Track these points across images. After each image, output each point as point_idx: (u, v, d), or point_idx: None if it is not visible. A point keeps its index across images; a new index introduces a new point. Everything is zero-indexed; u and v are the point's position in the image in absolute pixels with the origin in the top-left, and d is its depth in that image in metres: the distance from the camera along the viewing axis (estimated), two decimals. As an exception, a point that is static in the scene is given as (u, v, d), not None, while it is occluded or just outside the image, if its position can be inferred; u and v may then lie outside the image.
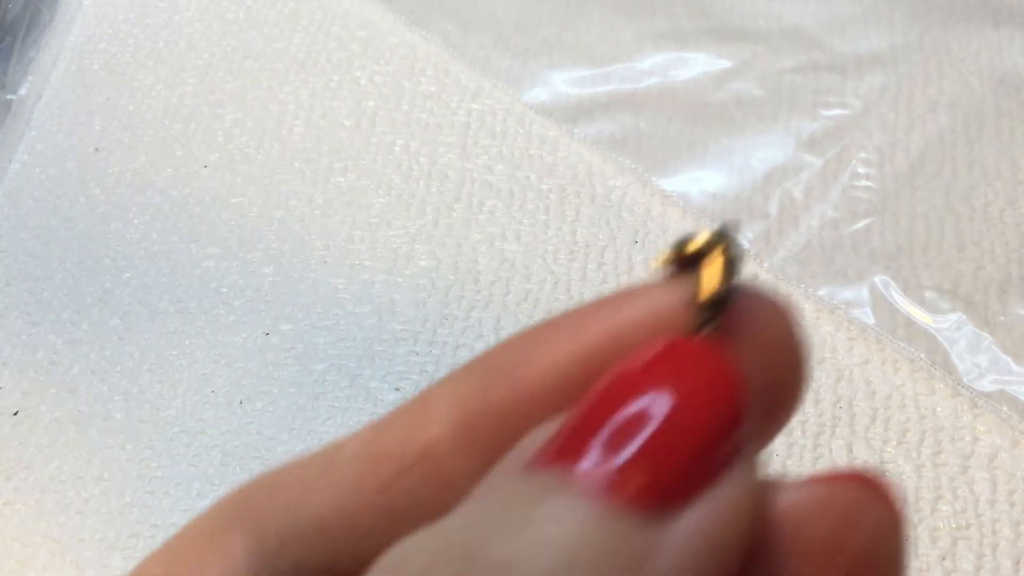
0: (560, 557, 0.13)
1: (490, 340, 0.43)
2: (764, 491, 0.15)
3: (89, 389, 0.44)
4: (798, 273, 0.43)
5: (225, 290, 0.46)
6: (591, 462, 0.14)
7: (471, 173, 0.49)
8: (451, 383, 0.17)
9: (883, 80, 0.49)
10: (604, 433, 0.14)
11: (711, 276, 0.16)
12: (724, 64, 0.51)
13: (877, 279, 0.43)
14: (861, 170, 0.46)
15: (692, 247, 0.16)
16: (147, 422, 0.43)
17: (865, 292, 0.43)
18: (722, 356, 0.15)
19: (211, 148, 0.51)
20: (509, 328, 0.44)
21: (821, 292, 0.43)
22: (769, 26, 0.52)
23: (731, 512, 0.14)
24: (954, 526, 0.38)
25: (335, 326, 0.45)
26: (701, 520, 0.14)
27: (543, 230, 0.47)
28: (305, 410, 0.43)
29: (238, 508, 0.17)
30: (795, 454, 0.40)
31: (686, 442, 0.14)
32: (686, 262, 0.16)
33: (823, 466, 0.40)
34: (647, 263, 0.44)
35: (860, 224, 0.45)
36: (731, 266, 0.16)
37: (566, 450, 0.15)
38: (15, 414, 0.44)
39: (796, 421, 0.41)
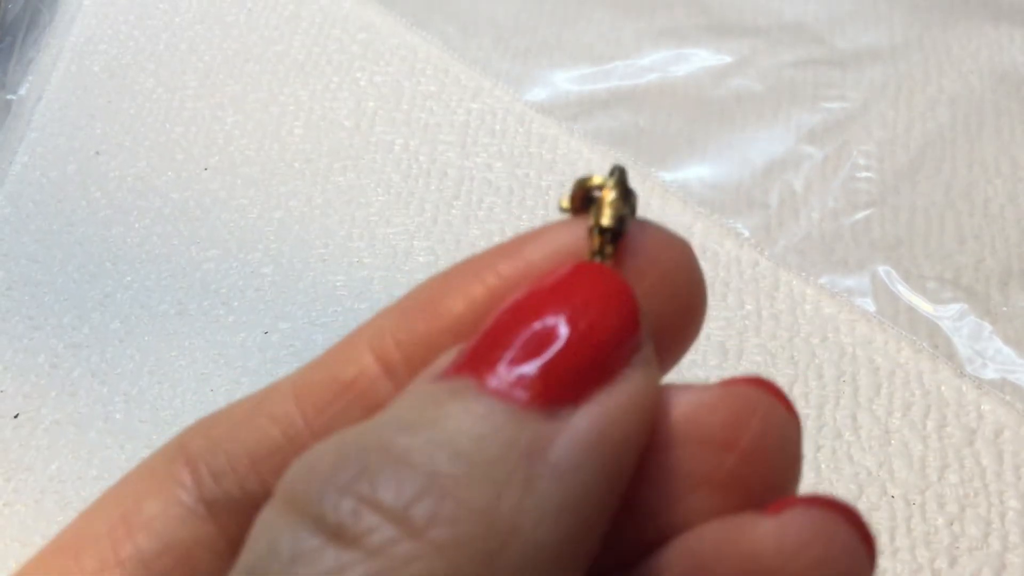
0: (457, 448, 0.15)
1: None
2: (662, 392, 0.17)
3: (89, 391, 0.44)
4: (799, 262, 0.43)
5: (225, 291, 0.46)
6: (495, 368, 0.15)
7: (470, 171, 0.49)
8: (373, 324, 0.19)
9: (883, 76, 0.49)
10: (508, 342, 0.16)
11: (606, 206, 0.18)
12: (724, 60, 0.50)
13: (880, 268, 0.43)
14: (862, 162, 0.46)
15: (590, 183, 0.18)
16: (146, 422, 0.43)
17: (867, 281, 0.43)
18: (615, 273, 0.17)
19: (212, 150, 0.51)
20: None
21: (822, 280, 0.43)
22: (769, 22, 0.52)
23: (624, 408, 0.16)
24: (962, 494, 0.38)
25: (334, 323, 0.45)
26: (595, 414, 0.15)
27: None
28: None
29: (178, 447, 0.19)
30: (795, 425, 0.40)
31: (581, 346, 0.16)
32: (587, 200, 0.18)
33: (827, 435, 0.40)
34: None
35: (860, 215, 0.45)
36: (623, 198, 0.18)
37: (474, 360, 0.16)
38: (16, 417, 0.44)
39: (798, 392, 0.41)
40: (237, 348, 0.44)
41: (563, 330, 0.16)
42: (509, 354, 0.16)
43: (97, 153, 0.52)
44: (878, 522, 0.38)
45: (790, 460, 0.17)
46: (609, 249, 0.17)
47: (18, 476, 0.42)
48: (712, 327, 0.43)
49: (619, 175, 0.18)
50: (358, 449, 0.15)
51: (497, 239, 0.46)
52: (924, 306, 0.42)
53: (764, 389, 0.17)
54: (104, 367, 0.45)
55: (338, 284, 0.46)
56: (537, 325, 0.16)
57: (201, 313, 0.46)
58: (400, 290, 0.45)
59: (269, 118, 0.52)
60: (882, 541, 0.38)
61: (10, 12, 0.52)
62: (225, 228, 0.48)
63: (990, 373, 0.40)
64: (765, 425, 0.17)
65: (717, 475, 0.16)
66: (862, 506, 0.38)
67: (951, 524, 0.37)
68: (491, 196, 0.48)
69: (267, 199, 0.49)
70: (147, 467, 0.19)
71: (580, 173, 0.48)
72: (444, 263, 0.45)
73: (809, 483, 0.39)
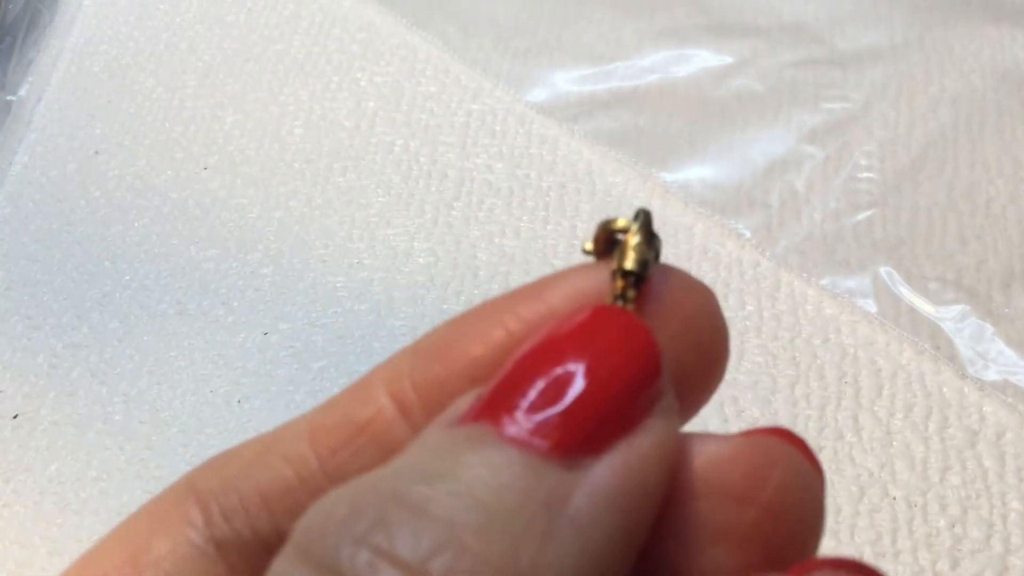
0: (476, 499, 0.14)
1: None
2: (682, 442, 0.16)
3: (88, 392, 0.44)
4: (800, 263, 0.43)
5: (224, 291, 0.46)
6: (514, 415, 0.15)
7: (471, 172, 0.49)
8: (390, 364, 0.18)
9: (884, 76, 0.49)
10: (527, 389, 0.15)
11: (630, 250, 0.18)
12: (725, 60, 0.50)
13: (881, 269, 0.43)
14: (863, 162, 0.46)
15: (614, 226, 0.18)
16: (146, 423, 0.43)
17: (868, 282, 0.43)
18: (637, 320, 0.16)
19: (211, 150, 0.51)
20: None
21: (824, 282, 0.43)
22: (769, 22, 0.52)
23: (645, 459, 0.15)
24: (964, 496, 0.38)
25: (334, 324, 0.45)
26: (616, 466, 0.15)
27: (542, 226, 0.46)
28: (303, 408, 0.42)
29: (188, 486, 0.18)
30: (800, 424, 0.40)
31: (602, 394, 0.15)
32: (611, 243, 0.18)
33: (828, 436, 0.40)
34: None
35: (862, 216, 0.44)
36: (647, 241, 0.18)
37: (492, 405, 0.15)
38: (15, 418, 0.44)
39: (800, 393, 0.41)
40: (237, 349, 0.44)
41: (584, 377, 0.15)
42: (528, 401, 0.15)
43: (97, 153, 0.52)
44: (880, 524, 0.38)
45: (813, 514, 0.17)
46: (631, 294, 0.17)
47: (17, 477, 0.42)
48: (713, 328, 0.43)
49: (644, 218, 0.18)
50: (375, 497, 0.15)
51: (498, 241, 0.46)
52: (926, 307, 0.42)
53: (787, 440, 0.17)
54: (103, 367, 0.45)
55: (338, 285, 0.46)
56: (557, 371, 0.15)
57: (201, 313, 0.45)
58: (400, 292, 0.45)
59: (269, 118, 0.52)
60: (884, 543, 0.37)
61: (10, 13, 0.52)
62: (225, 228, 0.48)
63: (992, 375, 0.40)
64: (787, 478, 0.16)
65: (738, 529, 0.16)
66: (863, 508, 0.38)
67: (953, 526, 0.37)
68: (491, 197, 0.48)
69: (267, 199, 0.49)
70: (156, 505, 0.19)
71: (581, 174, 0.48)
72: (444, 265, 0.45)
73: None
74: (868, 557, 0.37)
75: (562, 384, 0.15)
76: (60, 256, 0.48)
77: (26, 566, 0.40)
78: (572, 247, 0.45)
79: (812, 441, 0.39)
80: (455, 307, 0.44)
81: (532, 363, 0.16)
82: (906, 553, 0.37)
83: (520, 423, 0.15)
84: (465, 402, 0.16)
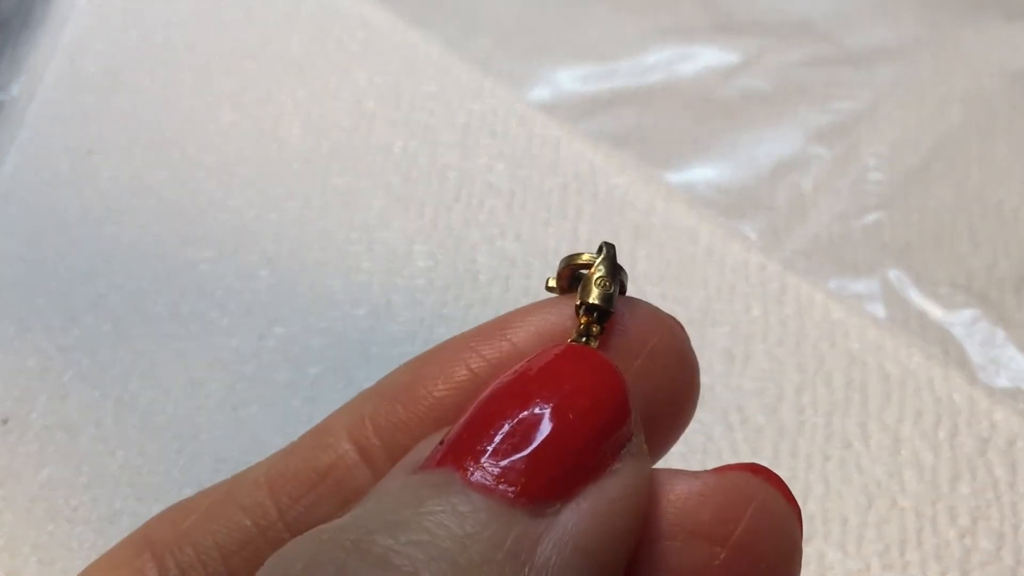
0: (440, 549, 0.14)
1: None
2: (653, 479, 0.16)
3: (80, 396, 0.44)
4: (807, 266, 0.43)
5: (219, 293, 0.46)
6: (479, 460, 0.15)
7: (471, 173, 0.48)
8: (350, 408, 0.18)
9: (893, 75, 0.49)
10: (492, 433, 0.15)
11: (593, 285, 0.18)
12: (730, 59, 0.50)
13: (890, 273, 0.43)
14: (871, 163, 0.46)
15: (577, 261, 0.18)
16: (138, 428, 0.43)
17: (877, 285, 0.42)
18: (604, 360, 0.16)
19: (207, 150, 0.51)
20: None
21: (831, 285, 0.43)
22: (776, 20, 0.52)
23: (615, 504, 0.15)
24: (974, 506, 0.37)
25: (331, 328, 0.44)
26: (584, 512, 0.15)
27: (544, 228, 0.46)
28: (299, 414, 0.42)
29: (143, 539, 0.18)
30: (807, 432, 0.40)
31: (570, 437, 0.15)
32: (575, 279, 0.18)
33: (835, 445, 0.39)
34: (650, 256, 0.44)
35: (870, 218, 0.44)
36: (611, 275, 0.18)
37: (456, 451, 0.15)
38: (5, 422, 0.44)
39: (806, 400, 0.40)
40: (231, 353, 0.44)
41: (550, 420, 0.15)
42: (493, 445, 0.15)
43: (90, 152, 0.51)
44: (888, 535, 0.37)
45: (787, 555, 0.16)
46: (596, 329, 0.17)
47: (7, 483, 0.42)
48: (718, 333, 0.42)
49: (607, 252, 0.18)
50: (334, 550, 0.14)
51: (498, 243, 0.46)
52: (935, 312, 0.42)
53: (761, 477, 0.17)
54: (95, 371, 0.44)
55: (336, 288, 0.45)
56: (523, 414, 0.15)
57: (195, 316, 0.45)
58: (399, 295, 0.45)
59: (266, 117, 0.51)
60: (892, 555, 0.37)
61: (3, 10, 0.52)
62: (220, 229, 0.48)
63: (1003, 381, 0.40)
64: (760, 517, 0.16)
65: (708, 569, 0.16)
66: (871, 519, 0.38)
67: (963, 537, 0.37)
68: (492, 199, 0.47)
69: (263, 200, 0.48)
70: (111, 558, 0.18)
71: (583, 175, 0.47)
72: (444, 268, 0.45)
73: (818, 495, 0.38)
74: (876, 569, 0.37)
75: (528, 427, 0.15)
76: (52, 257, 0.48)
77: (16, 575, 0.40)
78: (574, 249, 0.45)
79: (819, 451, 0.39)
80: (455, 311, 0.44)
81: (497, 406, 0.16)
82: (915, 565, 0.37)
83: (485, 469, 0.15)
84: (428, 446, 0.16)
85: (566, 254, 0.19)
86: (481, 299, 0.44)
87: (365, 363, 0.43)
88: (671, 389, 0.18)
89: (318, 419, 0.43)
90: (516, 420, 0.15)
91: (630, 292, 0.19)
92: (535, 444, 0.15)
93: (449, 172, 0.48)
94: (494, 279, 0.45)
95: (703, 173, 0.47)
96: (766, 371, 0.41)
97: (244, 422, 0.42)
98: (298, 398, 0.43)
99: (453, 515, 0.14)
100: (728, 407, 0.41)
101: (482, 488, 0.15)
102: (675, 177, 0.47)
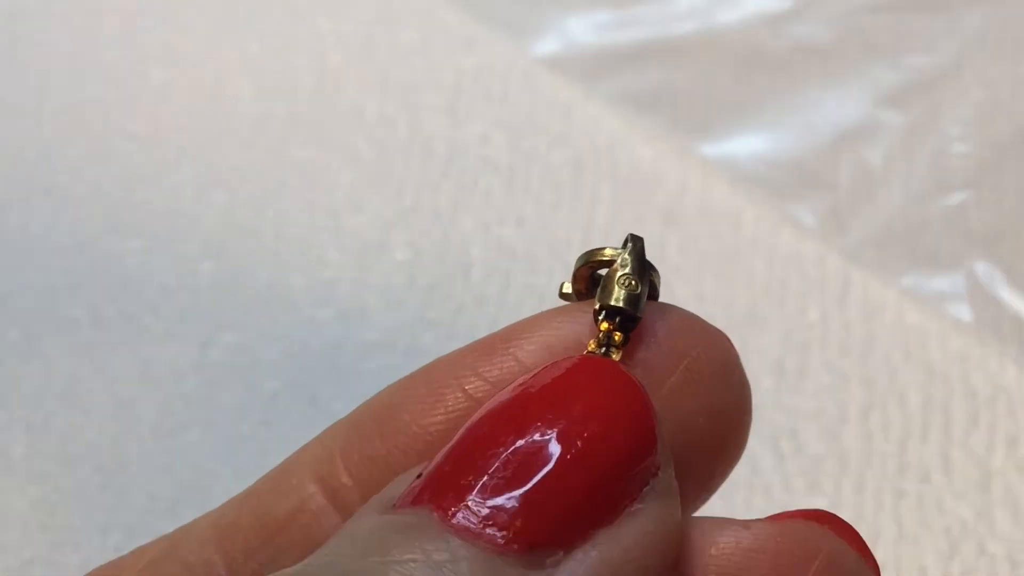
0: None
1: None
2: (688, 529, 0.16)
3: (-19, 419, 0.44)
4: (876, 258, 0.43)
5: (152, 293, 0.46)
6: (464, 498, 0.15)
7: (463, 144, 0.49)
8: (318, 443, 0.18)
9: (982, 23, 0.49)
10: (482, 464, 0.15)
11: (616, 284, 0.18)
12: (782, 4, 0.50)
13: (978, 267, 0.43)
14: (955, 132, 0.46)
15: (597, 257, 0.18)
16: (54, 459, 0.43)
17: (961, 282, 0.42)
18: (625, 374, 0.16)
19: (136, 115, 0.51)
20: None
21: (905, 281, 0.43)
22: (838, -46, 0.52)
23: (632, 555, 0.15)
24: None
25: (290, 335, 0.45)
26: (593, 564, 0.15)
27: (552, 212, 0.46)
28: (252, 441, 0.42)
29: None
30: (876, 463, 0.40)
31: (578, 471, 0.15)
32: (595, 280, 0.18)
33: (911, 477, 0.40)
34: (683, 247, 0.44)
35: (954, 199, 0.44)
36: (638, 273, 0.18)
37: (436, 486, 0.15)
38: None
39: (876, 425, 0.41)
40: (168, 366, 0.44)
41: (554, 449, 0.15)
42: (482, 480, 0.15)
43: (-11, 119, 0.52)
44: (975, 587, 0.38)
45: None
46: (618, 338, 0.17)
47: None
48: (766, 341, 0.43)
49: (634, 244, 0.18)
50: None
51: (496, 231, 0.46)
52: (1033, 314, 0.42)
53: (827, 525, 0.17)
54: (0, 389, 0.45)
55: (295, 286, 0.46)
56: (520, 442, 0.15)
57: (122, 321, 0.46)
58: (374, 295, 0.46)
59: (208, 75, 0.52)
60: (981, 611, 0.37)
61: None
62: (153, 213, 0.48)
63: (1116, 398, 0.40)
64: None
65: None
66: (955, 568, 0.38)
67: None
68: (488, 176, 0.48)
69: (206, 177, 0.49)
70: None
71: (601, 147, 0.48)
72: (429, 261, 0.45)
73: (889, 540, 0.38)
74: (961, 629, 0.37)
75: (526, 458, 0.15)
76: (-56, 250, 0.48)
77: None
78: (589, 238, 0.45)
79: (890, 484, 0.39)
80: (443, 315, 0.44)
81: (489, 431, 0.16)
82: (1008, 624, 0.37)
83: (471, 508, 0.15)
84: (404, 481, 0.16)
85: (584, 249, 0.19)
86: (475, 300, 0.45)
87: (333, 378, 0.43)
88: (714, 414, 0.18)
89: (274, 447, 0.44)
90: (511, 449, 0.15)
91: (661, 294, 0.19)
92: (534, 479, 0.15)
93: (435, 143, 0.49)
94: (491, 275, 0.45)
95: (748, 144, 0.47)
96: (826, 388, 0.42)
97: (183, 451, 0.42)
98: (250, 422, 0.43)
99: (427, 566, 0.14)
100: (779, 432, 0.41)
101: (465, 532, 0.15)
102: (714, 149, 0.47)
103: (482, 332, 0.43)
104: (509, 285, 0.45)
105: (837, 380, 0.42)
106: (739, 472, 0.40)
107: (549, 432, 0.15)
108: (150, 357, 0.45)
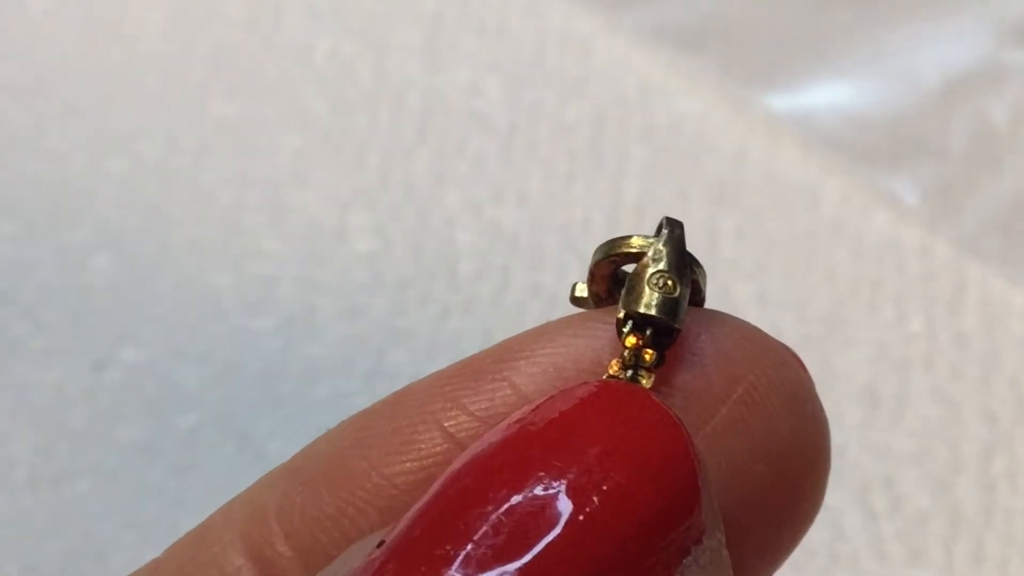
0: None
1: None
2: None
3: None
4: (1000, 247, 0.44)
5: (30, 297, 0.46)
6: (440, 572, 0.15)
7: (445, 95, 0.49)
8: (249, 498, 0.19)
9: None
10: (466, 528, 0.15)
11: (646, 285, 0.18)
12: (873, -93, 0.50)
13: None
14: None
15: (621, 249, 0.18)
16: (-102, 517, 0.43)
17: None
18: (658, 404, 0.16)
19: (6, 59, 0.51)
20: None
21: (1040, 279, 0.43)
22: None
23: None
24: None
25: (213, 352, 0.45)
26: None
27: (565, 187, 0.47)
28: (163, 493, 0.42)
29: None
30: (999, 522, 0.40)
31: (594, 538, 0.15)
32: (616, 279, 0.19)
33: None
34: (741, 232, 0.44)
35: (1104, 170, 0.45)
36: (676, 270, 0.18)
37: (401, 561, 0.15)
38: None
39: (1001, 469, 0.41)
40: (51, 392, 0.44)
41: (562, 508, 0.15)
42: (466, 550, 0.15)
43: None
44: None
45: None
46: (650, 357, 0.17)
47: None
48: (854, 359, 0.43)
49: (671, 231, 0.18)
50: None
51: (490, 212, 0.46)
52: None
53: None
54: None
55: (221, 286, 0.46)
56: (516, 498, 0.15)
57: (-11, 334, 0.46)
58: (326, 298, 0.45)
59: (103, 4, 0.52)
60: None
61: None
62: (30, 189, 0.48)
63: None
64: None
65: None
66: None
67: None
68: (480, 138, 0.48)
69: (100, 140, 0.49)
70: None
71: (630, 98, 0.48)
72: (400, 252, 0.45)
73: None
74: None
75: (525, 520, 0.15)
76: None
77: None
78: (614, 220, 0.45)
79: (1019, 552, 0.39)
80: (419, 323, 0.44)
81: (474, 484, 0.16)
82: None
83: None
84: (361, 551, 0.16)
85: (606, 238, 0.19)
86: (463, 304, 0.45)
87: (269, 410, 0.43)
88: (779, 459, 0.18)
89: (191, 501, 0.44)
90: (505, 508, 0.15)
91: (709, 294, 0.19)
92: (536, 548, 0.15)
93: (409, 94, 0.49)
94: (483, 271, 0.45)
95: (827, 95, 0.47)
96: (932, 422, 0.42)
97: (69, 506, 0.42)
98: (159, 467, 0.43)
99: None
100: (870, 481, 0.41)
101: None
102: (781, 101, 0.47)
103: (471, 348, 0.43)
104: (508, 285, 0.45)
105: (948, 410, 0.42)
106: (816, 535, 0.40)
107: (556, 485, 0.15)
108: (26, 381, 0.45)
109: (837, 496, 0.40)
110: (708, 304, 0.19)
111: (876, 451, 0.41)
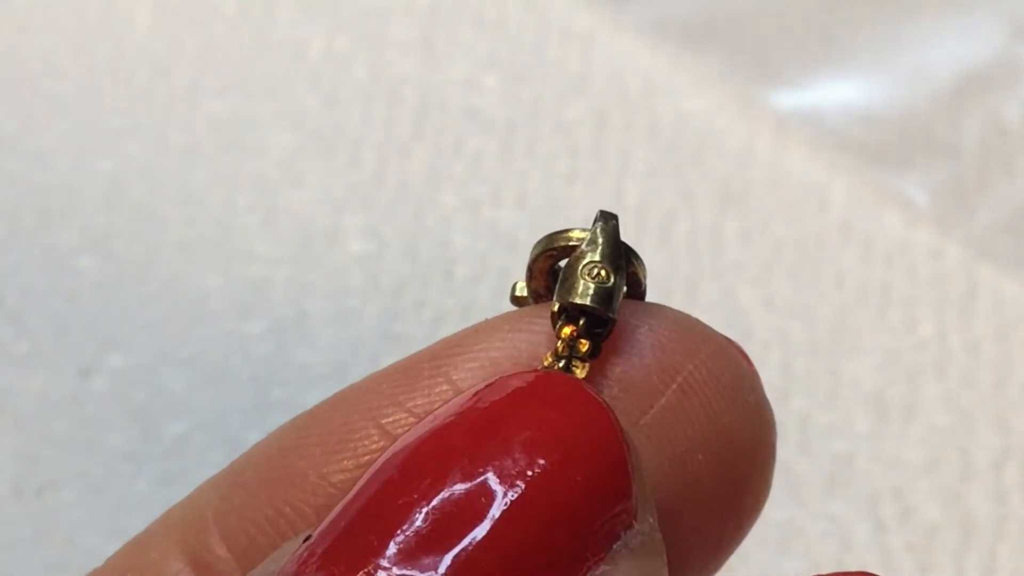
0: None
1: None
2: None
3: None
4: (1013, 249, 0.44)
5: (12, 300, 0.46)
6: (364, 568, 0.15)
7: (442, 92, 0.49)
8: (188, 503, 0.19)
9: None
10: (395, 521, 0.15)
11: (580, 276, 0.18)
12: (884, -101, 0.51)
13: None
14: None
15: (559, 243, 0.19)
16: None
17: None
18: (587, 391, 0.16)
19: (-12, 53, 0.51)
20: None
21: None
22: None
23: None
24: None
25: (203, 358, 0.45)
26: None
27: (566, 186, 0.47)
28: (150, 503, 0.42)
29: None
30: (1012, 535, 0.40)
31: (523, 528, 0.15)
32: (554, 273, 0.19)
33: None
34: (747, 234, 0.44)
35: (1122, 169, 0.45)
36: (611, 261, 0.18)
37: (328, 554, 0.15)
38: None
39: (1013, 481, 0.41)
40: (34, 399, 0.44)
41: (491, 494, 0.15)
42: (393, 539, 0.15)
43: None
44: None
45: None
46: (584, 347, 0.18)
47: None
48: (862, 365, 0.43)
49: (604, 223, 0.19)
50: None
51: (488, 213, 0.46)
52: None
53: None
54: None
55: (211, 289, 0.46)
56: (446, 491, 0.15)
57: (-29, 338, 0.46)
58: (318, 302, 0.45)
59: (91, -2, 0.52)
60: None
61: None
62: (14, 190, 0.48)
63: None
64: None
65: None
66: None
67: None
68: (478, 136, 0.48)
69: (87, 140, 0.49)
70: None
71: (633, 95, 0.48)
72: (395, 254, 0.45)
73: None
74: None
75: (453, 508, 0.15)
76: None
77: None
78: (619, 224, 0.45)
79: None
80: (414, 328, 0.44)
81: (401, 474, 0.16)
82: None
83: None
84: (292, 548, 0.16)
85: (541, 243, 0.19)
86: (460, 308, 0.45)
87: (260, 418, 0.43)
88: (719, 449, 0.18)
89: (181, 512, 0.43)
90: (434, 500, 0.15)
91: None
92: (465, 537, 0.15)
93: (405, 90, 0.49)
94: (481, 274, 0.45)
95: (836, 92, 0.47)
96: (943, 432, 0.42)
97: (55, 515, 0.43)
98: (146, 477, 0.43)
99: None
100: (879, 491, 0.41)
101: None
102: (788, 99, 0.47)
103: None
104: (506, 289, 0.44)
105: (959, 419, 0.42)
106: (824, 548, 0.40)
107: (484, 471, 0.15)
108: (13, 387, 0.45)
109: (843, 507, 0.40)
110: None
111: (885, 460, 0.41)
